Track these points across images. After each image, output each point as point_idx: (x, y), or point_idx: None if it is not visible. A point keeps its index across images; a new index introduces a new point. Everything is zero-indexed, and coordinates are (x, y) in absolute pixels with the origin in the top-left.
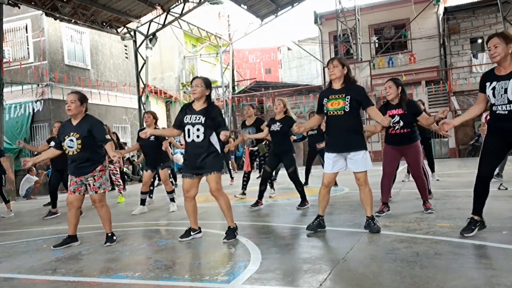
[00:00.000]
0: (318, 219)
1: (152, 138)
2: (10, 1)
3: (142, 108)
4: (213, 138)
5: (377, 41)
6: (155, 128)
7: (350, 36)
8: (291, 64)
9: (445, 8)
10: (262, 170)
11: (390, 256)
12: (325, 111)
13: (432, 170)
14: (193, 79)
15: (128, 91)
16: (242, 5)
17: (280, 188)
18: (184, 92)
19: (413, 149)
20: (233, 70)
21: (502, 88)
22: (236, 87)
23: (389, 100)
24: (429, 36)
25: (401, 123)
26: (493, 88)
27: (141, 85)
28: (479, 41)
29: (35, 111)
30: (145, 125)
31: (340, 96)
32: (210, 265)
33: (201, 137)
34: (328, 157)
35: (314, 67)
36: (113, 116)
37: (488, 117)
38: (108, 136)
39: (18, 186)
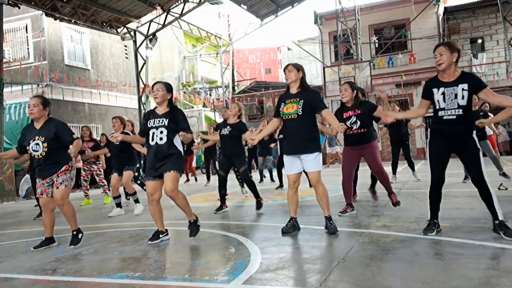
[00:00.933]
0: (291, 221)
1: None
2: (10, 1)
3: (142, 108)
4: (177, 141)
5: (377, 41)
6: (123, 132)
7: (350, 36)
8: None
9: (445, 8)
10: (217, 176)
11: (390, 256)
12: (281, 115)
13: (413, 169)
14: (154, 84)
15: (128, 91)
16: (242, 5)
17: (280, 189)
18: (184, 92)
19: (370, 148)
20: (233, 70)
21: (452, 93)
22: (236, 87)
23: (344, 102)
24: (429, 36)
25: (358, 123)
26: (443, 94)
27: (141, 85)
28: (479, 41)
29: None
30: (113, 130)
31: (295, 100)
32: (210, 265)
33: (164, 139)
34: (286, 159)
35: (314, 67)
36: (113, 116)
37: (432, 122)
38: (75, 135)
39: (18, 186)
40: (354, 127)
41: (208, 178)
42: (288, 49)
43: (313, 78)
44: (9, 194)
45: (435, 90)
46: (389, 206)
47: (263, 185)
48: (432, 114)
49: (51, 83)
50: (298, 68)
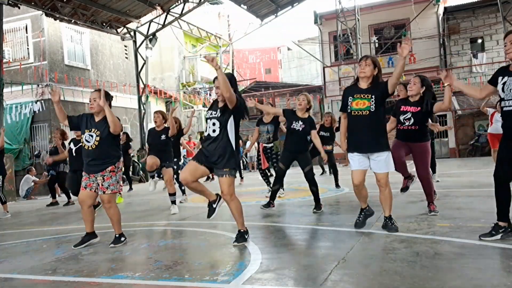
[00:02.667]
0: (362, 213)
1: (163, 136)
2: (10, 1)
3: (142, 108)
4: (232, 135)
5: (377, 41)
6: (165, 128)
7: (350, 36)
8: (291, 64)
9: (445, 8)
10: (275, 168)
11: (390, 256)
12: (349, 110)
13: (433, 171)
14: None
15: (128, 91)
16: (242, 5)
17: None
18: (184, 92)
19: (420, 148)
20: (233, 70)
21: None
22: None
23: (409, 96)
24: (429, 36)
25: (412, 120)
26: (504, 83)
27: (141, 85)
28: (479, 41)
29: (35, 112)
30: (154, 125)
31: (366, 96)
32: (210, 265)
33: (217, 132)
34: (352, 156)
35: (314, 67)
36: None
37: (501, 117)
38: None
39: (18, 186)
40: (407, 123)
41: (241, 177)
42: (288, 49)
43: (313, 78)
44: (9, 194)
45: (500, 78)
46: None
47: (264, 185)
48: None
49: (51, 83)
50: (375, 63)
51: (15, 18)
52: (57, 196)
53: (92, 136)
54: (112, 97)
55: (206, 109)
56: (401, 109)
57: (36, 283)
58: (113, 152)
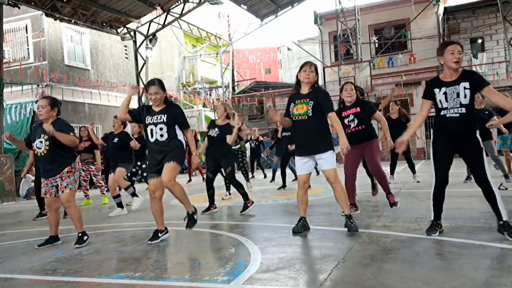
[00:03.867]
0: (301, 221)
1: (115, 140)
2: (10, 1)
3: None
4: (179, 134)
5: (377, 41)
6: (123, 132)
7: (350, 36)
8: (291, 64)
9: (445, 8)
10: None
11: (390, 256)
12: (291, 116)
13: (413, 172)
14: (150, 85)
15: (128, 91)
16: (242, 5)
17: (283, 189)
18: (184, 93)
19: (370, 146)
20: (233, 70)
21: (454, 92)
22: (236, 87)
23: (345, 102)
24: (429, 36)
25: (356, 121)
26: (445, 93)
27: (141, 85)
28: (479, 41)
29: (35, 112)
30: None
31: (305, 100)
32: (210, 265)
33: (165, 136)
34: (298, 160)
35: None
36: (112, 116)
37: (434, 123)
38: (72, 134)
39: (18, 186)
40: (352, 125)
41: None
42: (288, 49)
43: None
44: (9, 194)
45: (436, 90)
46: (389, 206)
47: (264, 185)
48: (434, 114)
49: (51, 83)
50: (317, 70)
51: (15, 18)
52: None
53: (41, 142)
54: (59, 103)
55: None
56: (343, 115)
57: (36, 283)
58: (66, 154)
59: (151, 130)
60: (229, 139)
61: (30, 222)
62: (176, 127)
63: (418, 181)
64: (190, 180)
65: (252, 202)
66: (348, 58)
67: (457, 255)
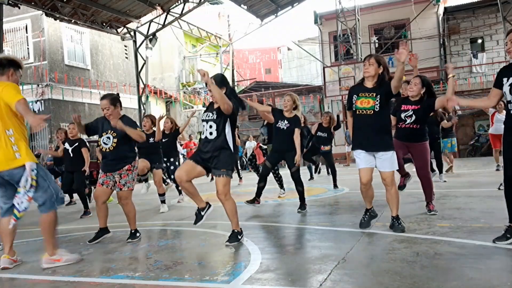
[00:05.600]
0: (367, 213)
1: (151, 139)
2: (10, 1)
3: (142, 108)
4: (229, 136)
5: (377, 41)
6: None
7: (350, 36)
8: (291, 64)
9: (445, 8)
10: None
11: (390, 256)
12: (354, 109)
13: (440, 171)
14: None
15: (128, 91)
16: (242, 5)
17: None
18: (184, 92)
19: (420, 147)
20: (233, 70)
21: None
22: (236, 87)
23: (409, 96)
24: (429, 36)
25: (413, 118)
26: (511, 85)
27: (141, 85)
28: (479, 41)
29: (35, 112)
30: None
31: (371, 95)
32: (210, 265)
33: (214, 134)
34: (357, 154)
35: (314, 67)
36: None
37: (505, 117)
38: (139, 129)
39: None
40: (408, 121)
41: (240, 177)
42: (288, 49)
43: (313, 78)
44: None
45: (505, 79)
46: (389, 206)
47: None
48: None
49: (51, 83)
50: (380, 62)
51: (15, 18)
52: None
53: (109, 138)
54: (119, 101)
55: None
56: (402, 108)
57: (36, 283)
58: (129, 153)
59: (203, 126)
60: (297, 133)
61: (30, 222)
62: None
63: (445, 181)
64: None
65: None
66: (348, 58)
67: (457, 255)
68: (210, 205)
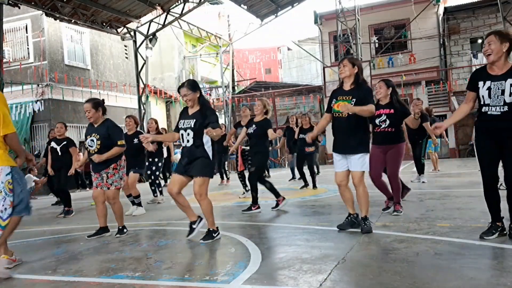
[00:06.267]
0: (349, 218)
1: (135, 140)
2: (10, 1)
3: (142, 108)
4: (207, 143)
5: (377, 41)
6: (137, 132)
7: (350, 36)
8: (291, 64)
9: (445, 8)
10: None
11: (390, 256)
12: (332, 112)
13: (420, 172)
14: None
15: (128, 91)
16: (242, 5)
17: (281, 189)
18: None
19: (395, 149)
20: (233, 70)
21: (498, 89)
22: (236, 87)
23: (378, 99)
24: (429, 36)
25: (388, 122)
26: (489, 89)
27: (141, 85)
28: (479, 41)
29: (35, 112)
30: (127, 129)
31: (347, 98)
32: (210, 265)
33: (191, 142)
34: (335, 156)
35: (314, 67)
36: (113, 116)
37: (476, 118)
38: (120, 142)
39: None
40: (383, 126)
41: (222, 177)
42: (288, 49)
43: (313, 78)
44: None
45: (480, 83)
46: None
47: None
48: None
49: (51, 83)
50: (354, 63)
51: (15, 18)
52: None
53: (93, 141)
54: (102, 102)
55: None
56: (375, 113)
57: (36, 283)
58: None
59: (181, 134)
60: (271, 134)
61: (30, 222)
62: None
63: (424, 182)
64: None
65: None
66: None
67: (457, 255)
68: (201, 218)
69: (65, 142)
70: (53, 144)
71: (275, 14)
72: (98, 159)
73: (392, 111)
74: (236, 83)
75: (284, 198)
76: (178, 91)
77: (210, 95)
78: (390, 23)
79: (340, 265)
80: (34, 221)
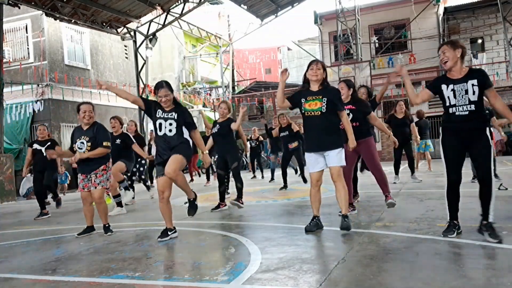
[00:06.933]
0: (314, 220)
1: (118, 141)
2: (10, 1)
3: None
4: (185, 132)
5: (377, 41)
6: (123, 133)
7: (350, 36)
8: (291, 64)
9: (445, 8)
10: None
11: (390, 256)
12: (303, 111)
13: (412, 171)
14: (159, 88)
15: (128, 91)
16: (242, 5)
17: (285, 189)
18: (184, 92)
19: (366, 144)
20: (233, 70)
21: (462, 89)
22: (236, 87)
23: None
24: (429, 36)
25: (351, 116)
26: (453, 90)
27: (141, 85)
28: (479, 41)
29: (35, 112)
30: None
31: (317, 97)
32: (210, 265)
33: (174, 131)
34: (309, 156)
35: None
36: (111, 116)
37: (442, 120)
38: (105, 143)
39: (18, 186)
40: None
41: (208, 178)
42: (288, 49)
43: None
44: (9, 194)
45: (444, 86)
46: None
47: (264, 185)
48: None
49: (51, 83)
50: (325, 68)
51: (15, 18)
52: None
53: (83, 143)
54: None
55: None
56: None
57: (36, 283)
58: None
59: (160, 123)
60: (234, 125)
61: (30, 222)
62: (183, 127)
63: (420, 180)
64: (192, 180)
65: (225, 205)
66: (348, 58)
67: (457, 255)
68: (176, 231)
69: (49, 143)
70: (36, 146)
71: (275, 14)
72: (79, 157)
73: (354, 107)
74: (236, 83)
75: (225, 205)
76: (155, 91)
77: (210, 95)
78: (390, 23)
79: (340, 265)
80: (34, 221)
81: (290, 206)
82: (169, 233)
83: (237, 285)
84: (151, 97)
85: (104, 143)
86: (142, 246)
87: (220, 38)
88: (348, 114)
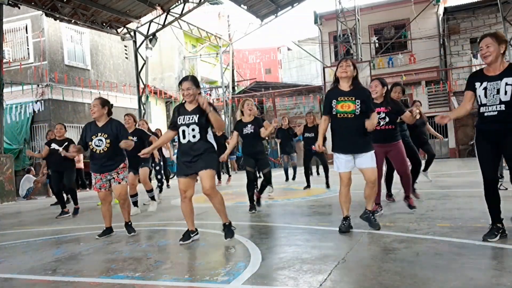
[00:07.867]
0: (347, 220)
1: (134, 138)
2: (10, 1)
3: (142, 108)
4: (210, 136)
5: (377, 41)
6: (136, 130)
7: (350, 36)
8: (291, 64)
9: (445, 8)
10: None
11: (390, 256)
12: (334, 113)
13: (425, 169)
14: (182, 81)
15: (128, 91)
16: (242, 5)
17: (282, 189)
18: None
19: (397, 147)
20: (233, 70)
21: (494, 88)
22: (236, 87)
23: (373, 98)
24: (429, 36)
25: (387, 119)
26: (485, 88)
27: (141, 86)
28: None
29: (35, 112)
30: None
31: (350, 98)
32: (210, 265)
33: (197, 137)
34: (340, 157)
35: (314, 67)
36: (113, 116)
37: (476, 121)
38: (130, 138)
39: (18, 186)
40: (382, 123)
41: (219, 178)
42: (288, 49)
43: (313, 78)
44: (9, 194)
45: (477, 84)
46: (389, 206)
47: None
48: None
49: (51, 83)
50: (355, 65)
51: (15, 18)
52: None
53: (101, 140)
54: (109, 106)
55: None
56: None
57: (36, 283)
58: (122, 151)
59: (183, 131)
60: (264, 133)
61: (30, 222)
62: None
63: (431, 180)
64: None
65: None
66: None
67: (457, 255)
68: (198, 232)
69: (67, 143)
70: (53, 145)
71: (275, 14)
72: (124, 145)
73: (389, 108)
74: (236, 83)
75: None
76: (180, 84)
77: (210, 95)
78: (390, 23)
79: (340, 265)
80: (34, 221)
81: (290, 206)
82: (191, 235)
83: (237, 285)
84: (151, 97)
85: (129, 138)
86: (142, 246)
87: (220, 38)
88: (383, 118)
